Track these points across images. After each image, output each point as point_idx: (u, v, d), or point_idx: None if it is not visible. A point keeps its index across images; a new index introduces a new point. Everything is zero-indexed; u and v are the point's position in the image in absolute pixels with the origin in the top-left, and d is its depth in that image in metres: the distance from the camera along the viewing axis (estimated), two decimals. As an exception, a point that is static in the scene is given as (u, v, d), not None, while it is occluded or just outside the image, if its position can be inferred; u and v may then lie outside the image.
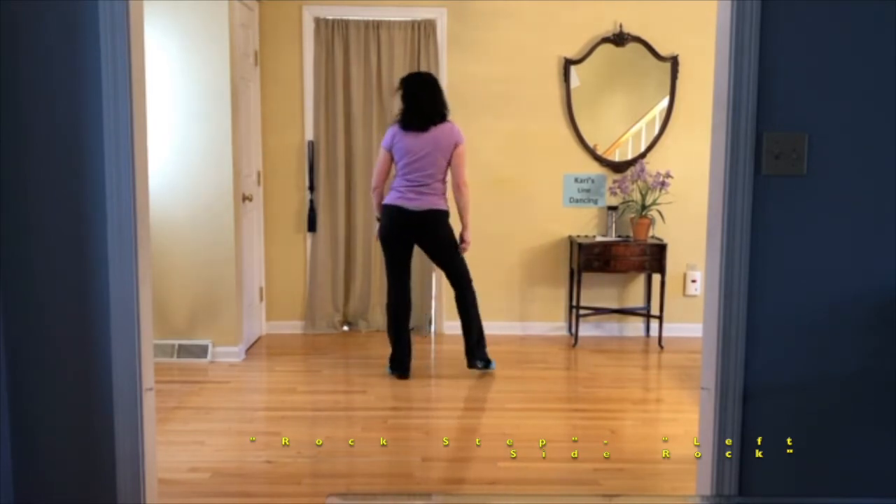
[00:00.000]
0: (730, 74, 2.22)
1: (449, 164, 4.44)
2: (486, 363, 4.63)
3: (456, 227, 4.58)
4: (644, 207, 5.38)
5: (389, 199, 4.48)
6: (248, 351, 5.15)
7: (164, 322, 4.86)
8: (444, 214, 4.48)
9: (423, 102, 4.41)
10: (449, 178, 4.52)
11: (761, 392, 2.31)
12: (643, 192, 5.39)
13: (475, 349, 4.59)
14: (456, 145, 4.43)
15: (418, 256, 5.60)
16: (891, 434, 2.31)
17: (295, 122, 5.52)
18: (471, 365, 4.60)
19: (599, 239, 5.43)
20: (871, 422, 2.33)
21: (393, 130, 4.49)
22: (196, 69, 4.72)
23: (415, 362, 4.70)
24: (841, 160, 2.24)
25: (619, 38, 5.45)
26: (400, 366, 4.61)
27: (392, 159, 4.49)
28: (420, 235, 4.50)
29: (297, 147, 5.54)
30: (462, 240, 4.57)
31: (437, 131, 4.40)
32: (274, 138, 5.52)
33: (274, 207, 5.58)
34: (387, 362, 4.69)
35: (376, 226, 4.67)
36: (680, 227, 5.46)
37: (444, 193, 4.49)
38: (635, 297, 5.68)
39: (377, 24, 5.44)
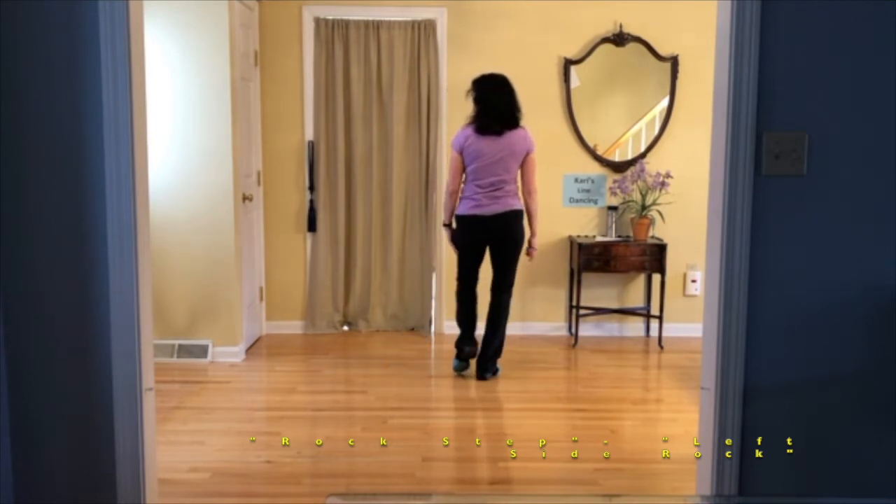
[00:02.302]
0: (730, 74, 2.22)
1: (519, 169, 4.43)
2: (495, 372, 4.65)
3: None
4: (644, 207, 5.38)
5: (463, 208, 4.44)
6: (248, 351, 5.15)
7: (164, 322, 4.86)
8: (521, 213, 4.47)
9: (500, 106, 4.37)
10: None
11: (761, 392, 2.31)
12: (643, 192, 5.39)
13: (489, 362, 4.59)
14: (528, 152, 4.42)
15: (420, 255, 5.62)
16: (891, 434, 2.31)
17: (295, 122, 5.52)
18: (480, 377, 4.59)
19: (599, 239, 5.43)
20: (871, 422, 2.33)
21: (465, 133, 4.43)
22: (196, 69, 4.72)
23: (415, 362, 4.70)
24: (841, 160, 2.24)
25: (619, 38, 5.45)
26: (469, 342, 4.62)
27: (463, 161, 4.44)
28: (497, 237, 4.47)
29: (297, 147, 5.54)
30: (531, 245, 4.58)
31: (511, 136, 4.38)
32: (274, 138, 5.52)
33: (274, 207, 5.58)
34: (455, 355, 4.68)
35: (446, 231, 4.65)
36: (680, 227, 5.46)
37: (517, 193, 4.46)
38: (635, 297, 5.68)
39: (377, 24, 5.44)
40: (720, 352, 2.30)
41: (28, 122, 2.21)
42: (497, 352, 4.63)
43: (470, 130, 4.42)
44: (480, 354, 4.62)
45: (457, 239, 4.56)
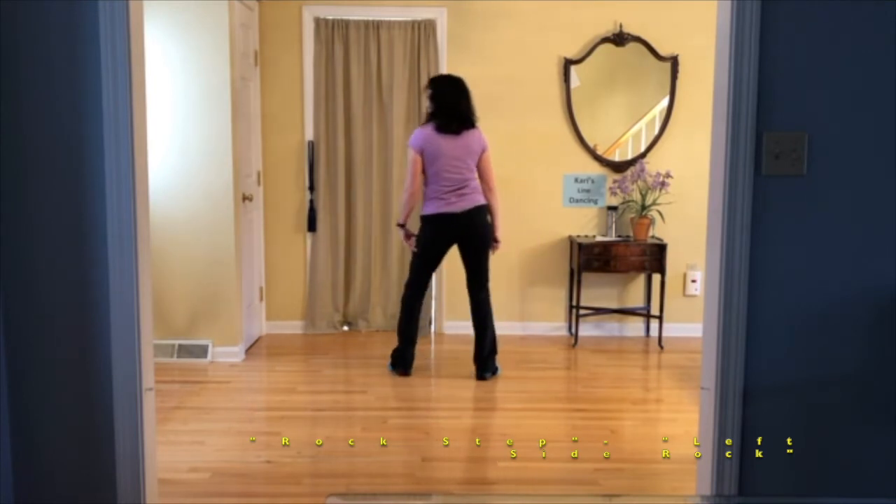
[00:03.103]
0: (730, 74, 2.22)
1: (477, 167, 4.47)
2: (494, 371, 4.65)
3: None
4: (644, 207, 5.38)
5: (432, 209, 4.44)
6: (248, 351, 5.15)
7: (164, 322, 4.86)
8: (487, 208, 4.52)
9: (459, 106, 4.42)
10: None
11: (761, 392, 2.31)
12: (643, 192, 5.39)
13: (487, 361, 4.60)
14: (484, 150, 4.47)
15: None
16: (891, 434, 2.31)
17: (295, 122, 5.52)
18: (480, 377, 4.59)
19: (599, 239, 5.43)
20: (871, 422, 2.33)
21: (424, 133, 4.43)
22: (196, 69, 4.72)
23: (415, 362, 4.70)
24: (841, 160, 2.24)
25: (619, 38, 5.45)
26: (403, 363, 4.62)
27: (423, 161, 4.44)
28: (466, 234, 4.49)
29: (297, 147, 5.54)
30: (495, 239, 4.59)
31: (468, 136, 4.42)
32: (274, 138, 5.52)
33: (274, 207, 5.58)
34: (389, 359, 4.70)
35: (402, 231, 4.62)
36: (680, 227, 5.46)
37: (481, 189, 4.50)
38: (635, 297, 5.68)
39: (377, 24, 5.44)
40: (720, 352, 2.30)
41: (28, 122, 2.21)
42: (493, 349, 4.63)
43: (429, 129, 4.43)
44: (477, 355, 4.62)
45: (423, 240, 4.52)
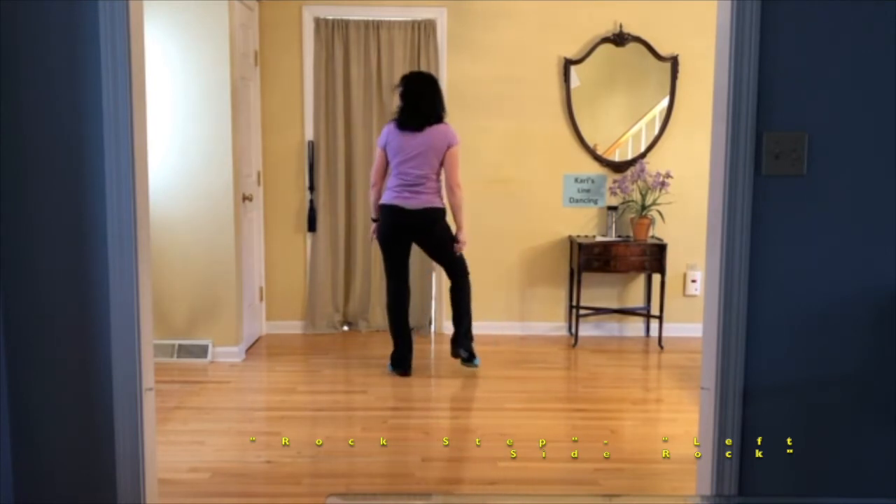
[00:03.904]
0: (730, 74, 2.22)
1: (441, 164, 4.45)
2: (470, 356, 4.65)
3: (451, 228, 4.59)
4: (644, 207, 5.38)
5: (386, 198, 4.50)
6: (248, 351, 5.15)
7: (164, 322, 4.86)
8: (441, 212, 4.50)
9: (421, 102, 4.42)
10: (443, 178, 4.52)
11: (761, 392, 2.31)
12: (643, 192, 5.38)
13: (461, 339, 4.64)
14: (449, 146, 4.43)
15: (418, 256, 5.62)
16: (891, 434, 2.31)
17: (295, 122, 5.52)
18: (454, 354, 4.65)
19: (599, 239, 5.43)
20: (871, 421, 2.33)
21: (388, 129, 4.51)
22: (196, 69, 4.72)
23: (415, 362, 4.70)
24: (841, 160, 2.24)
25: (619, 38, 5.45)
26: (401, 363, 4.63)
27: (386, 157, 4.51)
28: (417, 233, 4.52)
29: (297, 147, 5.54)
30: (457, 240, 4.58)
31: (431, 132, 4.41)
32: (274, 138, 5.52)
33: (274, 207, 5.58)
34: (388, 360, 4.70)
35: (373, 226, 4.69)
36: (680, 227, 5.46)
37: (438, 192, 4.50)
38: (635, 297, 5.68)
39: (377, 24, 5.44)
40: (720, 352, 2.30)
41: (28, 122, 2.21)
42: (468, 330, 4.63)
43: (392, 126, 4.49)
44: (454, 334, 4.68)
45: (379, 228, 4.56)
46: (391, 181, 4.50)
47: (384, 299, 5.63)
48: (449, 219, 4.56)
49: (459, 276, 4.62)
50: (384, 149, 4.50)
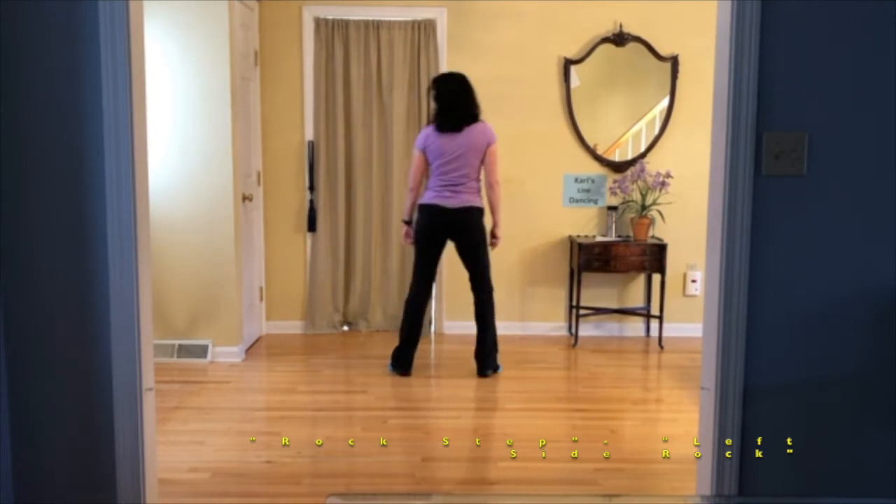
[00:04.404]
0: (730, 74, 2.22)
1: (482, 163, 4.50)
2: (495, 369, 4.67)
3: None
4: (644, 207, 5.38)
5: (426, 198, 4.54)
6: (248, 351, 5.15)
7: (164, 322, 4.86)
8: (480, 211, 4.54)
9: (457, 104, 4.46)
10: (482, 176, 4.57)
11: (761, 392, 2.31)
12: (643, 192, 5.39)
13: (487, 358, 4.64)
14: (489, 145, 4.49)
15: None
16: (891, 434, 2.31)
17: (295, 122, 5.52)
18: (481, 374, 4.63)
19: (599, 239, 5.43)
20: (871, 421, 2.33)
21: (427, 131, 4.54)
22: (196, 69, 4.72)
23: (415, 362, 4.70)
24: (841, 160, 2.24)
25: (619, 38, 5.45)
26: (402, 363, 4.64)
27: (426, 160, 4.53)
28: (455, 232, 4.54)
29: (297, 147, 5.54)
30: (493, 235, 4.64)
31: (470, 131, 4.45)
32: (274, 138, 5.52)
33: (274, 207, 5.58)
34: (389, 359, 4.70)
35: (404, 228, 4.71)
36: (680, 227, 5.46)
37: (478, 191, 4.54)
38: (635, 297, 5.68)
39: (377, 24, 5.44)
40: (720, 352, 2.30)
41: (28, 122, 2.21)
42: (494, 347, 4.66)
43: (431, 129, 4.52)
44: (478, 352, 4.65)
45: (417, 229, 4.59)
46: (432, 182, 4.53)
47: (384, 299, 5.66)
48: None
49: (484, 292, 4.62)
50: (424, 151, 4.52)
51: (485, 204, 4.58)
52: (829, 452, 2.33)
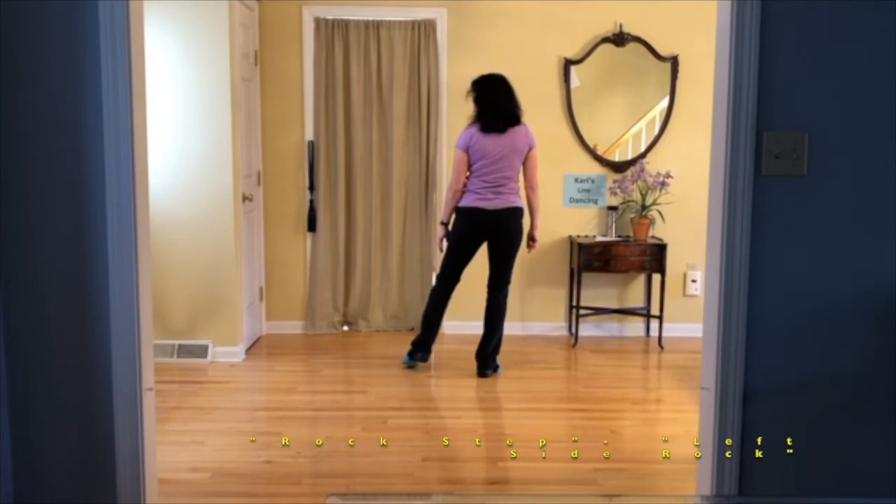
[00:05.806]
0: (730, 74, 2.22)
1: (523, 165, 4.51)
2: (495, 369, 4.68)
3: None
4: (644, 207, 5.38)
5: (466, 201, 4.52)
6: (248, 351, 5.15)
7: (164, 322, 4.85)
8: (521, 211, 4.55)
9: (501, 105, 4.46)
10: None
11: (761, 392, 2.31)
12: (643, 192, 5.38)
13: (488, 359, 4.65)
14: (531, 148, 4.51)
15: (418, 256, 5.62)
16: (891, 434, 2.31)
17: (295, 122, 5.52)
18: (481, 374, 4.63)
19: (599, 239, 5.43)
20: (872, 421, 2.33)
21: (470, 131, 4.51)
22: (196, 69, 4.72)
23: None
24: (841, 160, 2.24)
25: (619, 38, 5.45)
26: (423, 347, 4.68)
27: (469, 160, 4.50)
28: (495, 232, 4.53)
29: (297, 147, 5.54)
30: (532, 238, 4.67)
31: (513, 133, 4.46)
32: (274, 138, 5.52)
33: (274, 207, 5.57)
34: (407, 351, 4.72)
35: (441, 230, 4.70)
36: (680, 227, 5.46)
37: (519, 192, 4.55)
38: (635, 297, 5.68)
39: (377, 24, 5.44)
40: (720, 352, 2.30)
41: (28, 122, 2.21)
42: (496, 348, 4.67)
43: (474, 129, 4.50)
44: (480, 351, 4.65)
45: (455, 232, 4.59)
46: (472, 184, 4.51)
47: (384, 299, 5.66)
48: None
49: (501, 293, 4.64)
50: (467, 151, 4.49)
51: (525, 205, 4.59)
52: (829, 452, 2.33)
